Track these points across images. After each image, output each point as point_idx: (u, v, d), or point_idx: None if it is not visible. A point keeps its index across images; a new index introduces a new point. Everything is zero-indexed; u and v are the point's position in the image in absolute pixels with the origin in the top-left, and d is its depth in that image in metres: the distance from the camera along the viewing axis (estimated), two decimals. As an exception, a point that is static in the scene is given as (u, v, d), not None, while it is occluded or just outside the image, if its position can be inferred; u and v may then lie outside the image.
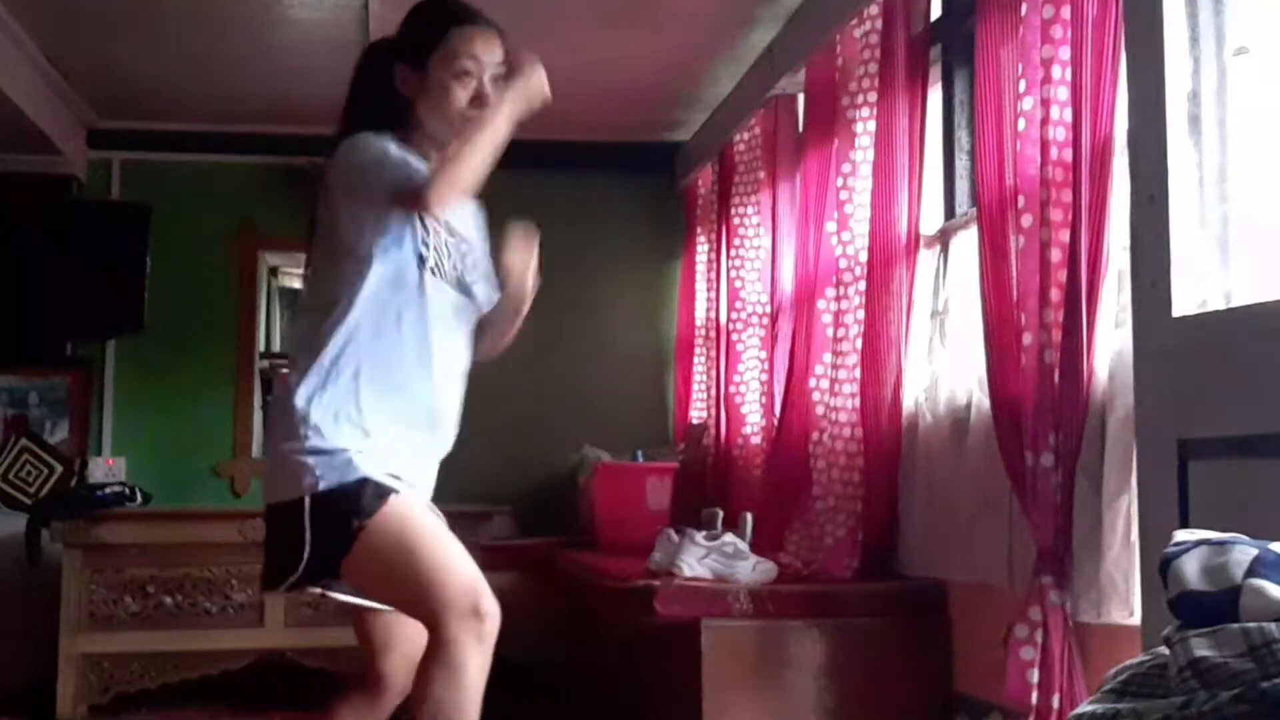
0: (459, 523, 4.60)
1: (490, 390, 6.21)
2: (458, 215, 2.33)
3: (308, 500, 2.09)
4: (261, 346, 5.75)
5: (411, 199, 2.13)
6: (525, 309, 2.46)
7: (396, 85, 2.26)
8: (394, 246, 2.19)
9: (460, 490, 5.41)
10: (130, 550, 4.18)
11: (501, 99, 2.19)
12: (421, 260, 2.22)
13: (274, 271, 6.13)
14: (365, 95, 2.30)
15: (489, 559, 4.56)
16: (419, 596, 2.10)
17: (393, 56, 2.27)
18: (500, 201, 6.19)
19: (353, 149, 2.17)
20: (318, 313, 2.22)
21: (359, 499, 2.09)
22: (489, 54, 2.24)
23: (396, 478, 2.16)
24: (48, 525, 4.26)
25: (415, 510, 2.16)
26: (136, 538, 4.23)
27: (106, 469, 5.08)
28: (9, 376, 5.31)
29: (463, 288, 2.32)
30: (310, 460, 2.11)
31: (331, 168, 2.20)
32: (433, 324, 2.24)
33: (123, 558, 4.16)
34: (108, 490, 4.53)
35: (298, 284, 6.39)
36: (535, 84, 2.21)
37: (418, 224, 2.21)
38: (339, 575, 2.14)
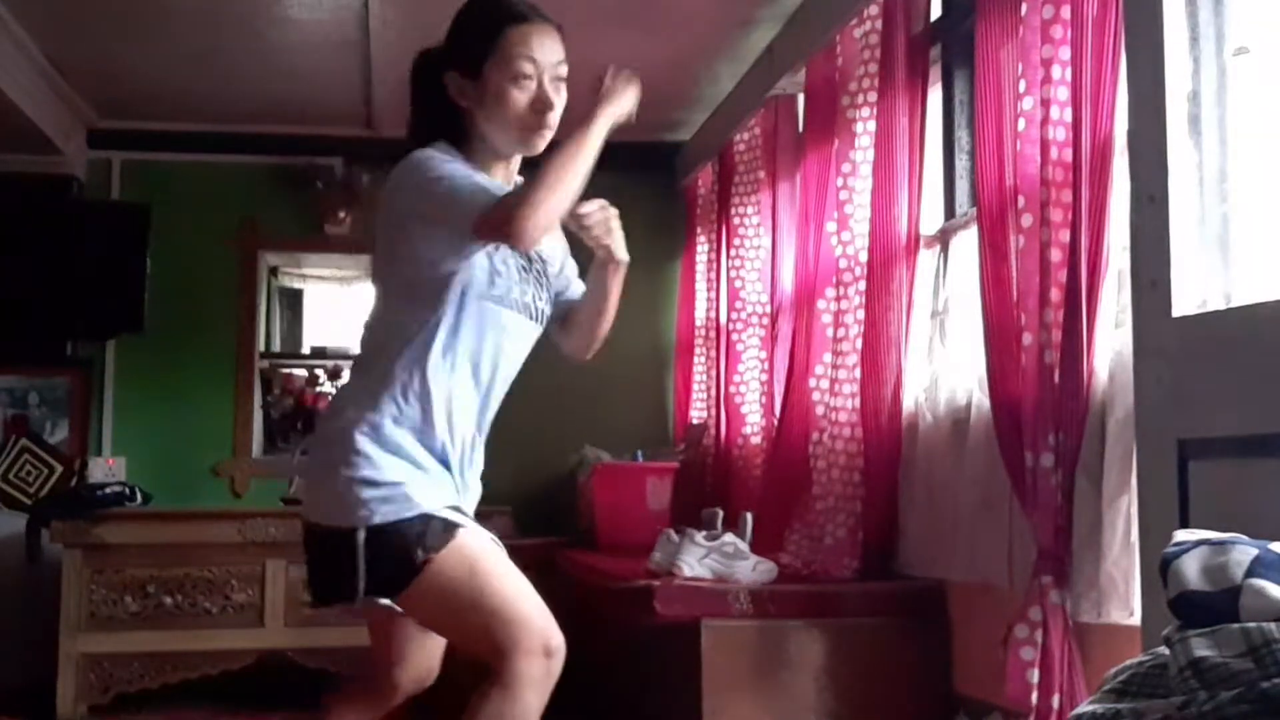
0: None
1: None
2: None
3: (362, 533, 1.98)
4: (261, 346, 5.74)
5: (496, 229, 1.95)
6: (617, 288, 2.24)
7: (451, 95, 2.10)
8: (465, 275, 2.06)
9: (460, 490, 5.40)
10: (130, 550, 4.18)
11: (595, 113, 2.04)
12: (492, 287, 2.10)
13: (274, 271, 6.13)
14: (424, 108, 2.15)
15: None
16: (486, 632, 1.99)
17: (444, 64, 2.12)
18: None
19: (418, 170, 2.02)
20: (381, 335, 2.13)
21: (423, 534, 1.99)
22: (548, 53, 2.08)
23: (456, 509, 2.08)
24: (48, 525, 4.26)
25: (483, 544, 2.06)
26: (136, 538, 4.23)
27: (106, 469, 5.08)
28: (9, 376, 5.31)
29: (531, 312, 2.19)
30: (364, 493, 2.00)
31: (396, 191, 2.05)
32: (499, 354, 2.14)
33: (123, 558, 4.16)
34: (108, 490, 4.53)
35: (298, 284, 6.40)
36: (629, 96, 2.08)
37: (490, 249, 2.08)
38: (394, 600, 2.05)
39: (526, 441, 5.45)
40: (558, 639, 2.01)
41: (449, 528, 2.02)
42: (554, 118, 2.11)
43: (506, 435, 5.67)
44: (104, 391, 5.43)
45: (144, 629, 4.16)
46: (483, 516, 4.82)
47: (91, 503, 4.38)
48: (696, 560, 3.36)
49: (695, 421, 5.22)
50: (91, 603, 4.14)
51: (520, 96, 2.07)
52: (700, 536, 3.43)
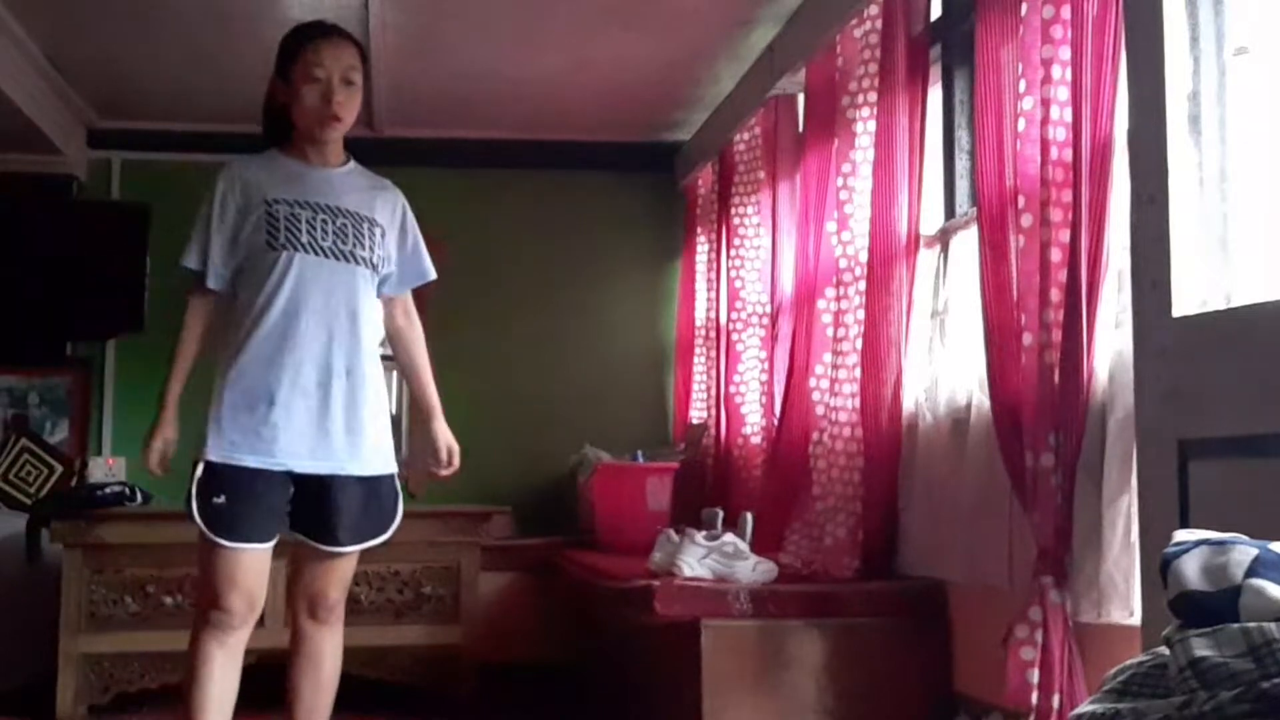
0: (460, 523, 4.61)
1: (491, 391, 6.19)
2: (333, 193, 2.74)
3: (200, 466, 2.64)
4: (261, 346, 5.74)
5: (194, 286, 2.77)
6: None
7: (277, 97, 2.79)
8: (234, 245, 2.72)
9: (460, 490, 5.42)
10: (130, 550, 4.18)
11: (165, 403, 2.77)
12: (270, 243, 2.66)
13: (274, 271, 6.12)
14: (267, 108, 2.84)
15: (489, 559, 4.59)
16: (197, 582, 2.71)
17: (275, 75, 2.80)
18: (502, 200, 6.18)
19: (207, 193, 2.77)
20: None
21: (200, 500, 2.60)
22: (338, 61, 2.72)
23: (244, 458, 2.62)
24: (48, 525, 4.26)
25: (223, 521, 2.61)
26: (136, 538, 4.22)
27: (106, 469, 5.08)
28: (9, 376, 5.31)
29: (338, 253, 2.71)
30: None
31: None
32: (299, 293, 2.66)
33: (123, 558, 4.15)
34: (108, 490, 4.53)
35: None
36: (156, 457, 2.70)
37: (264, 211, 2.68)
38: None
39: (526, 441, 5.47)
40: (226, 601, 2.60)
41: (210, 499, 2.59)
42: (340, 108, 2.71)
43: (507, 435, 5.71)
44: (104, 391, 5.42)
45: (144, 629, 4.15)
46: (483, 516, 4.82)
47: (91, 503, 4.37)
48: (696, 560, 3.36)
49: (695, 421, 5.22)
50: (91, 603, 4.13)
51: (311, 92, 2.70)
52: (700, 536, 3.43)
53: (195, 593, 2.59)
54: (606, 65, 4.76)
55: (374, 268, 2.77)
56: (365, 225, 2.77)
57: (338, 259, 2.71)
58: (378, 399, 2.78)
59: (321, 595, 2.80)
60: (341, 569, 2.79)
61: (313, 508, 2.69)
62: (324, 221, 2.71)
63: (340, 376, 2.68)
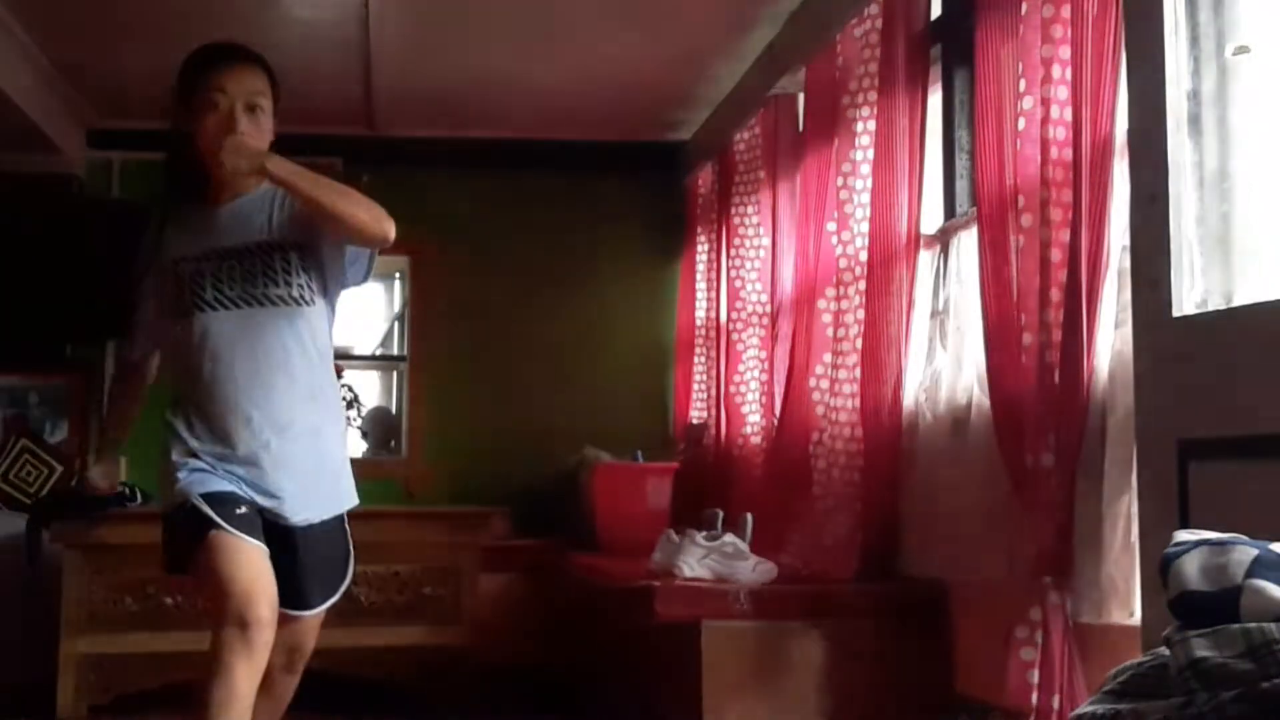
0: (460, 523, 4.61)
1: (491, 391, 6.19)
2: (241, 229, 2.54)
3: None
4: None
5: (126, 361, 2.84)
6: (292, 176, 2.47)
7: (180, 125, 2.61)
8: (158, 312, 2.62)
9: (460, 490, 5.41)
10: (130, 550, 4.17)
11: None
12: (181, 309, 2.53)
13: (274, 272, 6.11)
14: (172, 141, 2.69)
15: (489, 559, 4.59)
16: (208, 604, 2.40)
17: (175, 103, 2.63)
18: (502, 200, 6.18)
19: (140, 274, 2.65)
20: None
21: (186, 528, 2.42)
22: (239, 85, 2.55)
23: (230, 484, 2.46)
24: (48, 525, 4.26)
25: (221, 538, 2.38)
26: (136, 538, 4.21)
27: (107, 469, 5.07)
28: (9, 376, 5.30)
29: (250, 300, 2.51)
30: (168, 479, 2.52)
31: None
32: (220, 356, 2.50)
33: (123, 558, 4.15)
34: (108, 490, 4.52)
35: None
36: None
37: (169, 280, 2.55)
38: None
39: (526, 441, 5.47)
40: (255, 612, 2.28)
41: (202, 525, 2.38)
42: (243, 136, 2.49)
43: (507, 435, 5.69)
44: (104, 392, 5.42)
45: (144, 629, 4.15)
46: (483, 516, 4.81)
47: (91, 503, 4.37)
48: (696, 560, 3.36)
49: (695, 421, 5.22)
50: (91, 603, 4.13)
51: (211, 121, 2.51)
52: (700, 537, 3.43)
53: (209, 606, 2.35)
54: (606, 65, 4.76)
55: (297, 301, 2.53)
56: (276, 256, 2.53)
57: (251, 305, 2.51)
58: (333, 443, 2.61)
59: (299, 650, 2.60)
60: (318, 620, 2.61)
61: (282, 567, 2.45)
62: (230, 268, 2.51)
63: (285, 431, 2.49)
